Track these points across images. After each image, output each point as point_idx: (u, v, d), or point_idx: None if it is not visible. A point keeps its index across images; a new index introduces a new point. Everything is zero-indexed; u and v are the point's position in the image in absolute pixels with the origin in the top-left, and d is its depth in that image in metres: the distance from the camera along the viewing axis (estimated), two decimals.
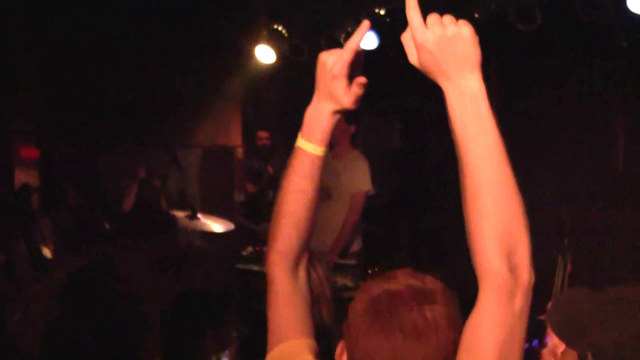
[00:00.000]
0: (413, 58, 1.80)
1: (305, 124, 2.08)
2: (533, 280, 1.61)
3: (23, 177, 9.83)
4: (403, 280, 1.73)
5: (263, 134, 9.10)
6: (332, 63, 1.97)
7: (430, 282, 1.75)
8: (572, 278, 6.51)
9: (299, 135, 2.08)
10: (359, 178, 6.71)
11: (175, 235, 4.10)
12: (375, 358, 1.66)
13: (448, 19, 1.71)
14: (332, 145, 6.79)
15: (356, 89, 2.02)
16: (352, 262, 6.36)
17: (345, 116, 6.74)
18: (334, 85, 2.00)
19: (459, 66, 1.69)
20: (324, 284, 3.22)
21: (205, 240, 7.53)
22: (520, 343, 1.61)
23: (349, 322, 1.75)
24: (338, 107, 2.04)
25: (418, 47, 1.75)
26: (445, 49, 1.69)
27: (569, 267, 6.52)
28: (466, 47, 1.70)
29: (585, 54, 7.19)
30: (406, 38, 1.81)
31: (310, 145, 2.05)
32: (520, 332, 1.60)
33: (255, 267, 6.12)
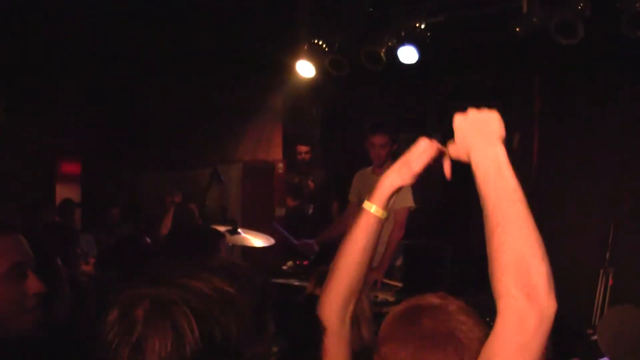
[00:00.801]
0: (452, 150, 2.15)
1: (378, 190, 2.29)
2: (553, 305, 1.72)
3: (65, 192, 9.94)
4: (431, 298, 1.94)
5: (303, 148, 9.12)
6: (428, 159, 2.25)
7: (455, 302, 1.94)
8: (614, 292, 6.45)
9: (367, 199, 2.29)
10: (401, 194, 6.64)
11: (216, 252, 4.11)
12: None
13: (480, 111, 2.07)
14: (373, 160, 6.79)
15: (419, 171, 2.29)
16: (399, 284, 6.32)
17: (387, 131, 6.77)
18: (415, 169, 2.27)
19: (486, 138, 2.00)
20: (363, 301, 3.21)
21: (245, 255, 7.57)
22: None
23: (378, 332, 1.95)
24: (405, 184, 2.31)
25: (456, 132, 2.08)
26: (477, 126, 2.03)
27: (610, 281, 6.46)
28: (494, 123, 2.03)
29: (629, 67, 7.12)
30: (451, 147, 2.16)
31: (379, 210, 2.27)
32: (534, 352, 1.69)
33: (296, 282, 6.13)
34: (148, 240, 5.11)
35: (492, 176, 1.92)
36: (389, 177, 2.28)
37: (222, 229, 5.94)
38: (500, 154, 1.95)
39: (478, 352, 1.75)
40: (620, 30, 5.98)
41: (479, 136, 2.00)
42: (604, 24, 6.23)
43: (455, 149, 2.10)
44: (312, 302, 3.21)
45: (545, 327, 1.70)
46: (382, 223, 2.29)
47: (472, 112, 2.06)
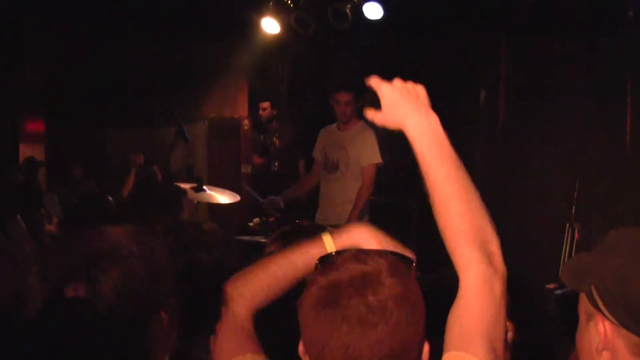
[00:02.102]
0: (379, 118, 2.03)
1: (345, 232, 2.10)
2: (506, 270, 1.79)
3: (28, 151, 9.82)
4: (345, 267, 1.71)
5: (264, 105, 9.09)
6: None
7: (374, 262, 1.72)
8: (580, 246, 6.50)
9: (331, 235, 2.09)
10: (368, 150, 6.67)
11: (179, 210, 4.07)
12: (325, 351, 1.65)
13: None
14: (338, 117, 6.75)
15: None
16: None
17: (352, 88, 6.73)
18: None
19: (418, 108, 1.96)
20: None
21: (211, 212, 7.54)
22: (503, 326, 1.76)
23: (300, 319, 1.73)
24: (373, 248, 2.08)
25: (384, 101, 1.99)
26: (407, 96, 1.97)
27: (576, 235, 6.51)
28: (422, 95, 2.00)
29: (596, 23, 7.11)
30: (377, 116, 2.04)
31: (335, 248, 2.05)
32: (502, 315, 1.76)
33: (262, 239, 6.10)
34: (111, 199, 5.05)
35: (436, 146, 1.90)
36: (360, 231, 2.09)
37: (186, 186, 5.91)
38: (437, 123, 1.94)
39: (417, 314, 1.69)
40: None
41: (411, 106, 1.96)
42: None
43: (383, 118, 2.01)
44: None
45: (506, 289, 1.77)
46: None
47: (398, 82, 2.01)
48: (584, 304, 1.82)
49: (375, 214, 6.83)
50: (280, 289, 2.10)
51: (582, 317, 1.84)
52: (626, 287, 1.70)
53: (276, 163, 9.06)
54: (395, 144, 8.25)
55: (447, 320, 1.76)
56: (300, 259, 2.08)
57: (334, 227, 6.45)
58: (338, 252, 1.90)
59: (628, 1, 6.55)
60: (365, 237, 2.04)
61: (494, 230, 1.81)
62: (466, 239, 1.77)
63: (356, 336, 1.62)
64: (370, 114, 2.04)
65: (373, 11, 7.43)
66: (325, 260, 1.84)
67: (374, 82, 2.02)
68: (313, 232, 3.24)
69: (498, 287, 1.75)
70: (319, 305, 1.66)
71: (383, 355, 1.62)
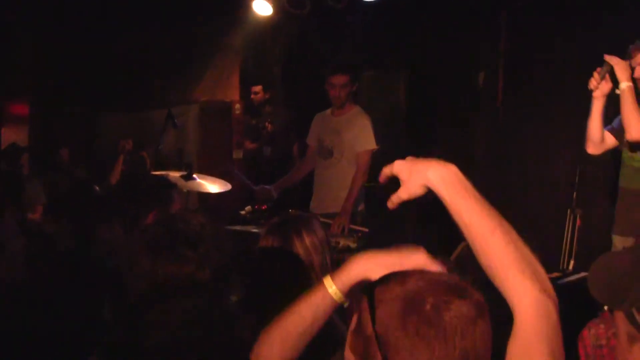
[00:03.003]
0: (403, 194, 2.02)
1: (344, 271, 2.00)
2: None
3: (12, 135, 9.74)
4: (419, 277, 1.78)
5: (255, 88, 9.05)
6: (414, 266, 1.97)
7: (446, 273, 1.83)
8: (582, 233, 6.47)
9: (330, 275, 2.01)
10: (363, 136, 6.62)
11: (170, 202, 4.02)
12: None
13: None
14: (333, 101, 6.71)
15: None
16: (365, 229, 6.26)
17: (347, 71, 6.69)
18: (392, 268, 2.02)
19: (433, 161, 1.96)
20: (325, 251, 3.17)
21: (202, 200, 7.49)
22: (562, 354, 1.75)
23: (382, 336, 1.71)
24: (374, 278, 1.99)
25: (400, 172, 2.01)
26: (419, 162, 1.98)
27: (578, 222, 6.48)
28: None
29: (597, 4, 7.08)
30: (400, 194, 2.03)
31: (338, 293, 1.99)
32: (561, 343, 1.75)
33: (254, 229, 6.03)
34: (97, 188, 5.01)
35: (462, 188, 1.89)
36: (359, 263, 1.99)
37: (176, 174, 5.86)
38: (456, 169, 1.93)
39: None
40: None
41: (426, 163, 1.97)
42: None
43: (406, 190, 2.01)
44: (265, 254, 3.18)
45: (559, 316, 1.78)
46: (337, 307, 2.03)
47: (411, 158, 2.02)
48: (622, 323, 1.80)
49: (371, 201, 6.79)
50: (302, 345, 2.05)
51: (623, 337, 1.83)
52: None
53: (269, 148, 9.03)
54: (393, 131, 8.27)
55: (507, 353, 1.77)
56: (306, 311, 2.03)
57: (327, 216, 6.43)
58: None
59: None
60: (368, 269, 1.96)
61: (537, 256, 1.81)
62: (516, 270, 1.77)
63: (450, 347, 1.68)
64: (394, 197, 2.04)
65: None
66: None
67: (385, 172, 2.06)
68: (303, 222, 3.25)
69: (554, 313, 1.76)
70: (408, 323, 1.69)
71: None
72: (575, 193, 6.58)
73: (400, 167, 2.00)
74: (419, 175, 1.95)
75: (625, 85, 4.91)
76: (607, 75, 4.99)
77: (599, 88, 5.02)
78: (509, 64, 8.14)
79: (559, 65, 7.49)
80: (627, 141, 5.20)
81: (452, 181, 1.90)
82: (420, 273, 1.81)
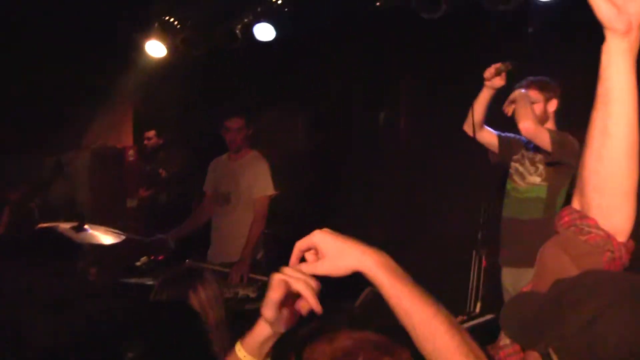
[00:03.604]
0: (324, 268, 1.97)
1: (251, 333, 2.11)
2: None
3: None
4: (348, 335, 1.90)
5: (149, 134, 8.97)
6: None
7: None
8: (488, 274, 6.51)
9: (240, 341, 2.13)
10: (260, 181, 6.59)
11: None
12: None
13: None
14: (229, 145, 6.66)
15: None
16: (265, 278, 6.12)
17: (242, 114, 6.67)
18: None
19: (361, 245, 1.97)
20: (221, 305, 3.15)
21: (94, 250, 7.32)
22: None
23: None
24: (280, 332, 2.10)
25: (321, 245, 1.97)
26: (344, 238, 1.98)
27: (484, 262, 6.53)
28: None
29: (493, 41, 7.24)
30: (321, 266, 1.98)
31: (248, 358, 2.10)
32: None
33: (150, 281, 5.86)
34: None
35: (401, 274, 1.91)
36: (261, 324, 2.09)
37: (67, 226, 5.71)
38: (388, 256, 1.94)
39: None
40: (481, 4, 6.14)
41: (358, 246, 1.95)
42: None
43: (331, 266, 1.97)
44: (160, 308, 3.12)
45: None
46: None
47: (333, 233, 2.01)
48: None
49: (270, 248, 6.75)
50: None
51: None
52: (596, 351, 1.65)
53: (164, 195, 8.92)
54: (289, 173, 8.25)
55: None
56: None
57: (226, 265, 6.35)
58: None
59: (530, 16, 6.76)
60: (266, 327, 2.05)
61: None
62: (459, 355, 1.79)
63: None
64: (310, 267, 1.98)
65: (264, 32, 7.40)
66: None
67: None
68: (198, 275, 3.22)
69: None
70: None
71: None
72: (480, 233, 6.64)
73: (324, 241, 1.97)
74: (352, 258, 1.92)
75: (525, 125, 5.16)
76: (503, 74, 5.50)
77: (492, 81, 5.52)
78: (410, 103, 8.24)
79: (458, 101, 7.63)
80: (510, 172, 5.76)
81: (391, 268, 1.90)
82: (348, 332, 1.84)
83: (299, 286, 1.93)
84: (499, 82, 5.53)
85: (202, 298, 3.10)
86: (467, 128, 5.87)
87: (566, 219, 2.10)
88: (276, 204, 6.65)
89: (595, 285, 1.74)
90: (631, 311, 1.65)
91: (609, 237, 2.01)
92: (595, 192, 2.01)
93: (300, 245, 2.00)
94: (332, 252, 1.94)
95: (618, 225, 2.01)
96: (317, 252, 1.97)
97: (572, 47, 6.30)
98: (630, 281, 1.75)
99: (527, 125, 5.20)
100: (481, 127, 5.86)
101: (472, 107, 5.74)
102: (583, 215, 2.06)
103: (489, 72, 5.49)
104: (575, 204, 2.10)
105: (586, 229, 2.03)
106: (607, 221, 2.01)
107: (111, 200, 9.41)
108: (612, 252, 1.99)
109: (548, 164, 5.50)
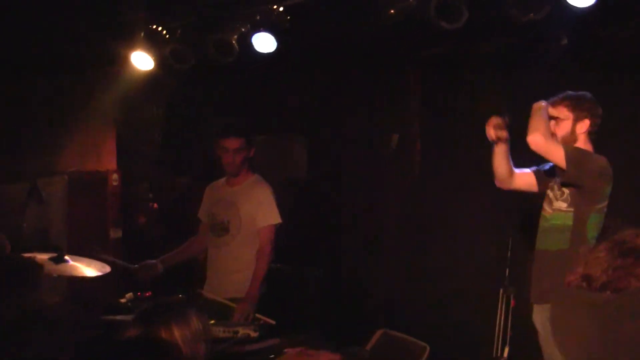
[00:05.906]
0: None
1: None
2: None
3: None
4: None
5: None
6: None
7: None
8: (516, 314, 6.47)
9: None
10: (264, 209, 6.55)
11: (35, 288, 3.91)
12: None
13: None
14: (226, 168, 6.63)
15: None
16: (272, 321, 6.06)
17: (241, 133, 6.67)
18: None
19: None
20: (199, 344, 3.16)
21: (74, 286, 7.30)
22: None
23: None
24: None
25: None
26: None
27: (512, 302, 6.50)
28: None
29: (516, 55, 7.27)
30: None
31: None
32: None
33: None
34: None
35: None
36: None
37: (44, 257, 5.71)
38: None
39: None
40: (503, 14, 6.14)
41: None
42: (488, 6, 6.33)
43: None
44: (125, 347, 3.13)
45: None
46: None
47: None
48: None
49: (273, 283, 6.73)
50: None
51: None
52: None
53: (156, 225, 8.93)
54: (294, 201, 8.26)
55: None
56: None
57: (219, 303, 6.33)
58: None
59: (558, 32, 6.78)
60: None
61: None
62: None
63: None
64: None
65: (264, 43, 7.39)
66: None
67: None
68: (176, 312, 3.22)
69: None
70: None
71: None
72: (507, 269, 6.61)
73: None
74: None
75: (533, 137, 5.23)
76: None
77: (499, 138, 5.57)
78: (424, 125, 8.23)
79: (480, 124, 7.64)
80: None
81: None
82: None
83: None
84: (507, 135, 5.57)
85: (176, 337, 3.08)
86: (499, 183, 5.86)
87: None
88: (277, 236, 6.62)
89: None
90: None
91: None
92: None
93: None
94: None
95: None
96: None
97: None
98: None
99: (535, 139, 5.17)
100: (511, 176, 5.79)
101: (493, 165, 5.76)
102: None
103: (489, 134, 5.56)
104: None
105: None
106: None
107: (91, 231, 9.38)
108: None
109: (562, 184, 5.41)
